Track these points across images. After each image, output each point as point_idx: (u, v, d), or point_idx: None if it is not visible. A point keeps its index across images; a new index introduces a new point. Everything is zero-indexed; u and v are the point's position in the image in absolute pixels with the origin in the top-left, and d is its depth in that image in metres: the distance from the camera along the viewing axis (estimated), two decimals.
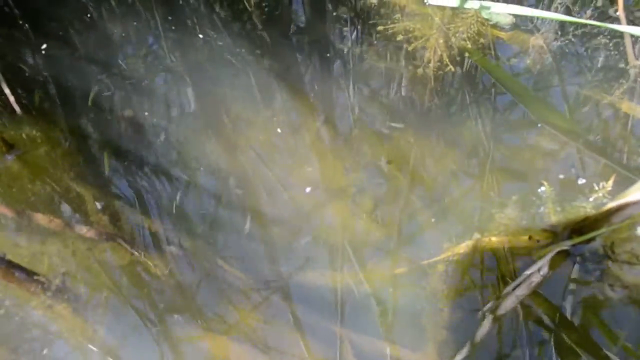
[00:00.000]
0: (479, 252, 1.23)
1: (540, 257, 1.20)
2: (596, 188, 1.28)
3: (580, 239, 1.21)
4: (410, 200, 1.32)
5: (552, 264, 1.18)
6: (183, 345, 1.14)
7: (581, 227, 1.22)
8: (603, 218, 1.18)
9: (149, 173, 1.42)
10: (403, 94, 1.56)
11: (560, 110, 1.48)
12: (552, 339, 1.11)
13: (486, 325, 1.13)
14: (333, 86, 1.60)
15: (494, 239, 1.24)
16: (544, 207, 1.27)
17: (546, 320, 1.14)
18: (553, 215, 1.26)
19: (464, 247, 1.23)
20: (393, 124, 1.48)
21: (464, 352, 1.11)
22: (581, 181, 1.32)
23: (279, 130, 1.47)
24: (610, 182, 1.27)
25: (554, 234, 1.25)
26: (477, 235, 1.24)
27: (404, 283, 1.20)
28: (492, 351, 1.11)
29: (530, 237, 1.24)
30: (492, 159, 1.39)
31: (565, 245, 1.22)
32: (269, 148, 1.44)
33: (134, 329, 1.17)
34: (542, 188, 1.30)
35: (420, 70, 1.59)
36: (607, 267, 1.19)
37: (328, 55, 1.68)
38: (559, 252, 1.20)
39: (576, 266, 1.19)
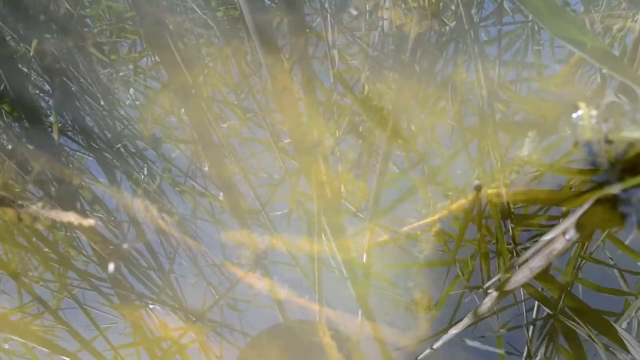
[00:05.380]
0: (483, 210, 0.95)
1: (568, 213, 0.88)
2: None
3: (636, 180, 0.85)
4: (396, 151, 1.06)
5: (585, 222, 0.86)
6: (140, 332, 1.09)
7: (636, 164, 0.86)
8: None
9: (99, 131, 1.29)
10: (389, 24, 1.22)
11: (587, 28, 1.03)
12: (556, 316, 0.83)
13: (488, 303, 0.89)
14: (304, 20, 1.31)
15: (503, 191, 0.93)
16: (581, 139, 0.91)
17: (554, 295, 0.85)
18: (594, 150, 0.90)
19: (463, 204, 0.96)
20: (378, 67, 1.17)
21: (460, 326, 0.89)
22: (627, 107, 0.91)
23: (246, 79, 1.27)
24: None
25: (595, 178, 0.90)
26: (480, 187, 0.95)
27: (390, 251, 0.99)
28: (492, 327, 0.87)
29: (564, 187, 0.91)
30: (501, 94, 1.03)
31: (614, 189, 0.87)
32: (233, 99, 1.26)
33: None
34: (579, 112, 0.93)
35: None
36: None
37: None
38: (597, 203, 0.86)
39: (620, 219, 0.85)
